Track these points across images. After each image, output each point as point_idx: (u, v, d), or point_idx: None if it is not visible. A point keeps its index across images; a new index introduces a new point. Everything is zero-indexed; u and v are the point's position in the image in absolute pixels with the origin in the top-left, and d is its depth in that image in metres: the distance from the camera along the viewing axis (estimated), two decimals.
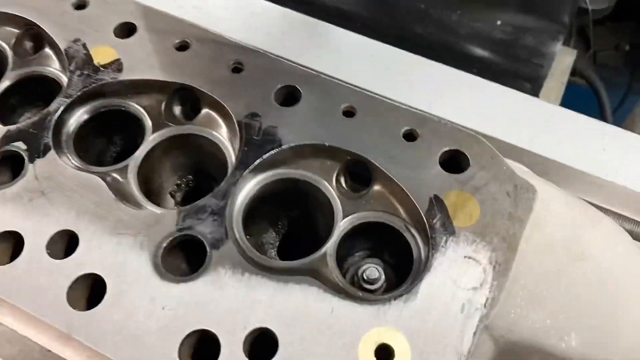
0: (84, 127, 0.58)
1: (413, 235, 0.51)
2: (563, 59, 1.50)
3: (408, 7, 1.29)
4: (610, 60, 2.06)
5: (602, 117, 1.72)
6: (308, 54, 0.84)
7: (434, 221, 0.49)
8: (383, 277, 0.53)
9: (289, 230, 0.61)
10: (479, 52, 1.25)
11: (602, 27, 1.96)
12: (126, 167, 0.54)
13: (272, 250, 0.61)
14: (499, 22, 1.29)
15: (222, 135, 0.57)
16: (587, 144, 0.76)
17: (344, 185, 0.55)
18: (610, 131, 0.78)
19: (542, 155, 0.73)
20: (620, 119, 1.96)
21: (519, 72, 1.21)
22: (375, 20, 1.25)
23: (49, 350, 0.56)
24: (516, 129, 0.77)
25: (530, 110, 0.81)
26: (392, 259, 0.56)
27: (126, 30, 0.61)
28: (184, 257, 0.52)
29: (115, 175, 0.53)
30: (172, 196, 0.62)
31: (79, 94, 0.56)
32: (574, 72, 1.70)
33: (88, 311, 0.45)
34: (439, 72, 0.85)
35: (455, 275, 0.47)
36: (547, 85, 1.34)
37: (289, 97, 0.57)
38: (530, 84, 1.25)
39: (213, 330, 0.44)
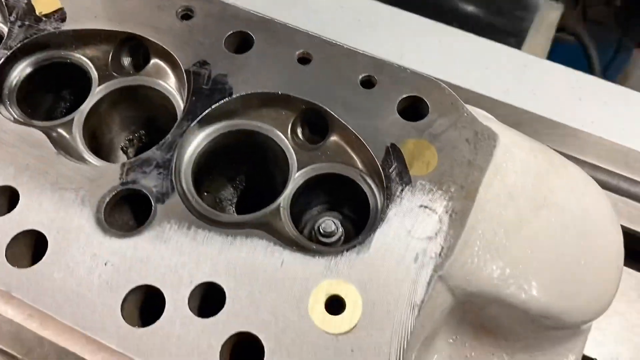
0: (27, 80, 0.55)
1: (370, 186, 0.49)
2: (548, 14, 1.46)
3: None
4: (600, 17, 2.01)
5: (591, 74, 1.69)
6: (272, 6, 0.81)
7: (390, 170, 0.47)
8: (340, 230, 0.51)
9: (247, 186, 0.59)
10: (461, 5, 1.21)
11: None
12: (71, 121, 0.52)
13: (231, 207, 0.59)
14: None
15: (171, 85, 0.54)
16: (563, 94, 0.73)
17: (300, 136, 0.53)
18: (586, 81, 0.76)
19: (515, 106, 0.71)
20: (610, 77, 1.93)
21: (501, 26, 1.18)
22: None
23: None
24: (491, 80, 0.75)
25: (506, 61, 0.78)
26: (350, 212, 0.54)
27: None
28: (131, 213, 0.50)
29: (60, 130, 0.51)
30: (125, 152, 0.59)
31: (19, 45, 0.53)
32: (562, 28, 1.65)
33: (27, 269, 0.44)
34: (413, 23, 0.82)
35: (409, 225, 0.45)
36: (532, 41, 1.31)
37: (242, 44, 0.54)
38: (513, 37, 1.21)
39: (157, 286, 0.43)
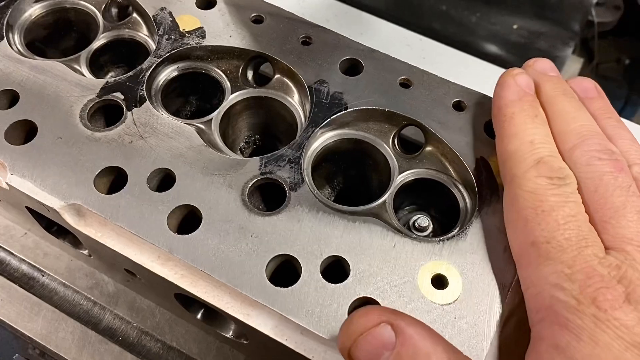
0: (169, 85, 0.65)
1: (460, 191, 0.59)
2: (570, 66, 1.60)
3: (431, 8, 1.38)
4: (611, 73, 2.16)
5: None
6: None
7: (481, 178, 0.57)
8: (431, 226, 0.61)
9: (343, 187, 0.69)
10: (496, 52, 1.34)
11: (605, 41, 2.07)
12: (210, 120, 0.62)
13: None
14: (515, 26, 1.38)
15: (293, 99, 0.64)
16: None
17: (397, 147, 0.63)
18: None
19: None
20: None
21: None
22: (400, 18, 1.34)
23: (130, 280, 0.63)
24: None
25: None
26: (437, 213, 0.64)
27: (206, 2, 0.69)
28: (262, 199, 0.59)
29: (201, 126, 0.61)
30: (242, 152, 0.69)
31: (168, 54, 0.64)
32: None
33: (186, 235, 0.53)
34: (469, 63, 0.94)
35: (499, 223, 0.55)
36: None
37: (352, 68, 0.65)
38: None
39: (294, 255, 0.52)
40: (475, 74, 0.91)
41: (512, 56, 1.34)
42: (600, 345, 0.39)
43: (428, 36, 1.14)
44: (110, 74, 0.72)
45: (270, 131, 0.69)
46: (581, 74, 1.79)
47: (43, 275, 0.70)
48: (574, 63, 1.66)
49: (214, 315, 0.62)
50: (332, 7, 0.98)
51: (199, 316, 0.63)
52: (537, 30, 1.37)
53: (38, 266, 0.70)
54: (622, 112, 2.12)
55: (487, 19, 1.38)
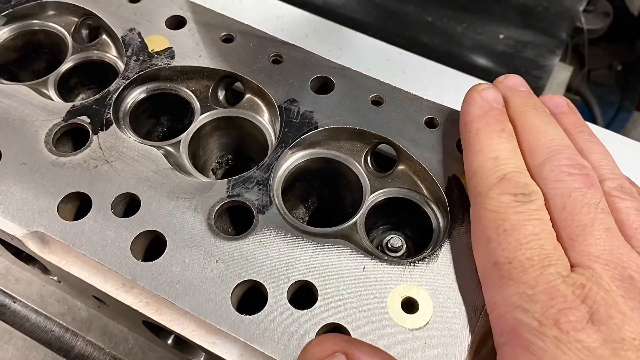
0: (138, 106, 0.64)
1: (432, 210, 0.58)
2: (560, 74, 1.59)
3: (417, 19, 1.38)
4: (603, 79, 2.16)
5: None
6: (329, 55, 0.92)
7: (453, 197, 0.56)
8: (405, 246, 0.59)
9: (317, 207, 0.67)
10: (483, 62, 1.34)
11: (596, 47, 2.07)
12: (179, 142, 0.61)
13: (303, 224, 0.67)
14: (501, 36, 1.38)
15: (264, 118, 0.63)
16: None
17: (370, 165, 0.62)
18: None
19: None
20: None
21: None
22: (385, 30, 1.33)
23: (100, 305, 0.62)
24: None
25: None
26: (412, 232, 0.63)
27: (176, 22, 0.68)
28: (230, 222, 0.58)
29: (169, 148, 0.60)
30: (214, 172, 0.68)
31: (135, 76, 0.63)
32: (569, 88, 1.79)
33: (150, 262, 0.51)
34: (449, 76, 0.93)
35: (470, 242, 0.53)
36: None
37: (323, 86, 0.64)
38: None
39: (261, 281, 0.51)
40: (456, 87, 0.90)
41: (498, 66, 1.33)
42: None
43: (413, 48, 1.13)
44: (80, 96, 0.71)
45: (242, 151, 0.68)
46: (572, 81, 1.78)
47: (15, 302, 0.69)
48: (564, 71, 1.65)
49: (184, 342, 0.61)
50: (311, 22, 0.97)
51: (169, 342, 0.62)
52: (524, 39, 1.37)
53: (10, 292, 0.69)
54: (615, 118, 2.11)
55: (473, 29, 1.38)
